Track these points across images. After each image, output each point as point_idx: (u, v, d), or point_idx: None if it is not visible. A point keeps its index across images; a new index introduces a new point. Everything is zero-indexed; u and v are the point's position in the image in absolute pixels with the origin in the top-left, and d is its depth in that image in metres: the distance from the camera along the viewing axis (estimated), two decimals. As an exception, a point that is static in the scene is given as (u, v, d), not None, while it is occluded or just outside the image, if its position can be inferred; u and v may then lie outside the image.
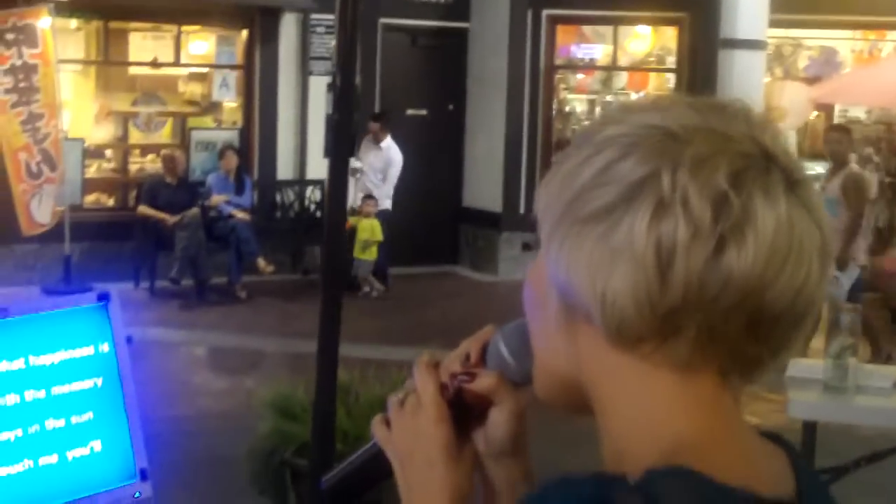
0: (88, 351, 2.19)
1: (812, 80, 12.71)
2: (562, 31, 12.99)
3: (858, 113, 13.62)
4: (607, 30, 13.17)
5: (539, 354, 1.08)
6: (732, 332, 0.94)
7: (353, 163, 11.52)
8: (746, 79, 9.75)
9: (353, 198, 11.06)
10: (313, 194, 12.30)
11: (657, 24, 12.95)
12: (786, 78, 13.14)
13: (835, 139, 9.04)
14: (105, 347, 2.21)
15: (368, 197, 11.53)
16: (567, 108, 13.49)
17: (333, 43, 11.88)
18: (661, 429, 0.97)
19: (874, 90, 10.51)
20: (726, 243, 0.92)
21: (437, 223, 12.96)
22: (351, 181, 11.35)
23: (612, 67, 13.43)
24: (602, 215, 0.95)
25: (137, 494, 2.22)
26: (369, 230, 11.39)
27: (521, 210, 12.71)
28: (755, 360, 0.97)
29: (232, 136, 12.33)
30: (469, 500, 1.17)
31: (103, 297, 2.20)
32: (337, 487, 1.26)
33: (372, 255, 11.44)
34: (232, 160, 11.57)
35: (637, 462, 0.94)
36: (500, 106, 12.58)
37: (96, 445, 2.18)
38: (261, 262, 11.33)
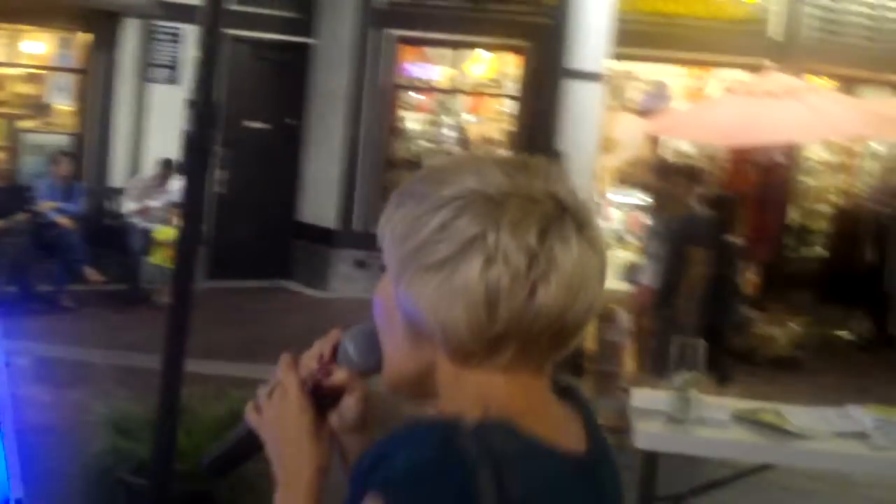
0: (-38, 376, 2.12)
1: (644, 113, 13.06)
2: (404, 52, 13.05)
3: (685, 146, 14.05)
4: (449, 53, 13.28)
5: (389, 355, 1.37)
6: (542, 345, 1.28)
7: (138, 205, 11.41)
8: (585, 109, 9.96)
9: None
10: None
11: (500, 50, 13.11)
12: (620, 109, 13.46)
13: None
14: (-21, 372, 2.14)
15: (175, 205, 11.35)
16: (406, 128, 13.54)
17: (176, 52, 11.83)
18: (488, 402, 1.26)
19: (705, 126, 10.84)
20: (537, 287, 1.24)
21: (271, 237, 12.85)
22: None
23: (453, 90, 13.54)
24: (442, 264, 1.25)
25: (9, 526, 2.15)
26: (165, 235, 11.23)
27: (356, 227, 12.72)
28: (558, 356, 1.31)
29: (65, 140, 11.99)
30: (328, 469, 1.47)
31: (-20, 321, 2.14)
32: (215, 464, 1.57)
33: (164, 259, 11.21)
34: (64, 165, 11.25)
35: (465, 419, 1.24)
36: (339, 122, 12.57)
37: (-33, 474, 2.11)
38: (88, 270, 11.05)
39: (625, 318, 10.12)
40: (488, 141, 13.45)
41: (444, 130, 13.66)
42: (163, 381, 4.98)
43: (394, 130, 13.15)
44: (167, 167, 11.49)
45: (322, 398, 1.48)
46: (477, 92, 13.67)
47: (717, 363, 7.83)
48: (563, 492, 1.28)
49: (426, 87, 13.71)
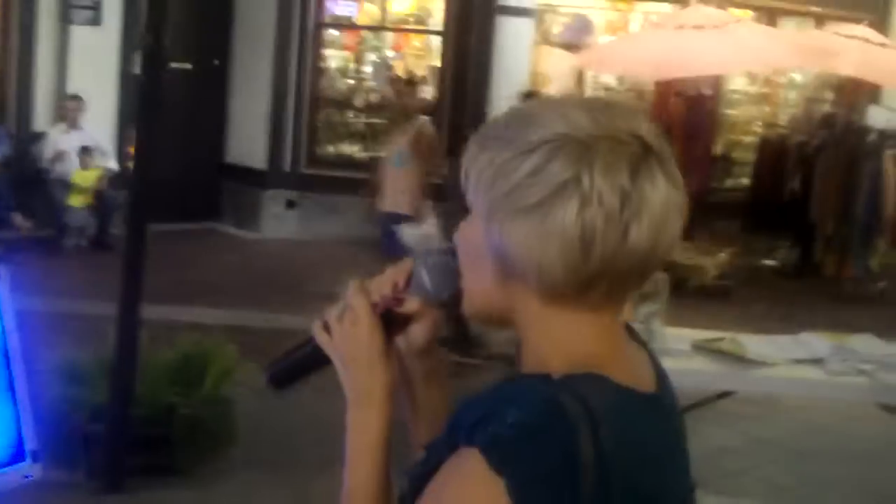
0: (-26, 329, 2.11)
1: (567, 46, 13.09)
2: (330, -11, 12.93)
3: (610, 80, 14.14)
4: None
5: (472, 290, 1.42)
6: (629, 282, 1.34)
7: (52, 152, 11.25)
8: (517, 45, 9.97)
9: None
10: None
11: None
12: (542, 43, 13.49)
13: (405, 92, 9.29)
14: (-9, 325, 2.14)
15: (85, 150, 11.24)
16: (331, 67, 13.44)
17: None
18: (575, 347, 1.34)
19: (631, 59, 10.92)
20: (630, 226, 1.28)
21: (199, 179, 12.70)
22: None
23: (378, 27, 13.46)
24: (536, 208, 1.29)
25: (28, 476, 2.16)
26: (82, 178, 11.18)
27: (286, 168, 12.65)
28: (638, 290, 1.39)
29: (-15, 83, 11.74)
30: (395, 388, 1.55)
31: (-10, 273, 2.13)
32: (278, 377, 1.63)
33: (81, 201, 11.18)
34: (-18, 110, 11.03)
35: (556, 368, 1.32)
36: (267, 62, 12.43)
37: (-17, 427, 2.11)
38: (16, 217, 10.87)
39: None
40: (412, 76, 13.41)
41: (368, 68, 13.59)
42: (119, 326, 4.97)
43: (319, 69, 13.04)
44: (76, 101, 11.36)
45: (390, 322, 1.54)
46: (399, 28, 13.60)
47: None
48: (649, 435, 1.36)
49: (349, 25, 13.61)
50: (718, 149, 13.26)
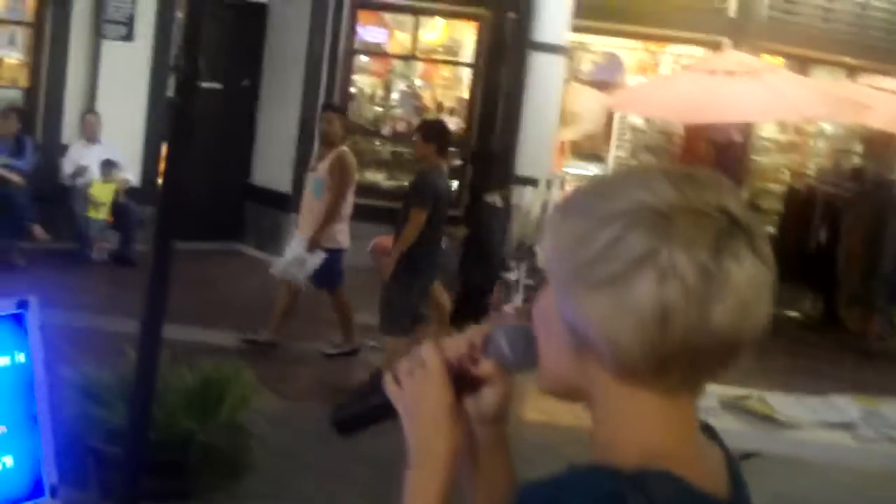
0: (4, 361, 2.06)
1: (598, 85, 13.08)
2: (363, 16, 12.93)
3: (638, 121, 14.12)
4: (407, 18, 13.18)
5: (546, 360, 1.37)
6: (709, 364, 1.26)
7: (73, 166, 11.28)
8: (547, 81, 9.95)
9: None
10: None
11: (458, 17, 13.04)
12: (572, 81, 13.48)
13: (327, 119, 9.22)
14: (21, 357, 2.09)
15: (108, 163, 11.27)
16: (360, 92, 13.44)
17: (132, 9, 11.59)
18: (645, 436, 1.27)
19: (663, 102, 10.90)
20: (711, 305, 1.21)
21: (224, 199, 12.72)
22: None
23: (409, 56, 13.46)
24: (612, 281, 1.22)
25: (48, 512, 2.11)
26: (100, 190, 11.20)
27: (310, 192, 12.60)
28: (719, 376, 1.29)
29: (15, 95, 11.75)
30: (462, 453, 1.49)
31: (22, 305, 2.08)
32: (345, 423, 1.61)
33: (101, 213, 11.21)
34: (12, 121, 11.04)
35: (622, 458, 1.24)
36: (297, 85, 12.43)
37: (8, 461, 2.06)
38: (36, 228, 10.88)
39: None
40: (440, 108, 13.42)
41: (395, 95, 13.59)
42: (141, 348, 4.90)
43: (348, 95, 13.04)
44: (94, 116, 11.41)
45: (462, 384, 1.51)
46: (435, 59, 13.61)
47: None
48: None
49: (380, 52, 13.62)
50: (746, 196, 13.19)
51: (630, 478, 1.21)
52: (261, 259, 12.51)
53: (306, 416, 6.89)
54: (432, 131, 8.28)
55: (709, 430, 1.40)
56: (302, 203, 9.13)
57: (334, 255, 8.89)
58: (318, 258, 8.75)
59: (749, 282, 1.23)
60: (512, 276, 9.49)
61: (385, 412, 1.54)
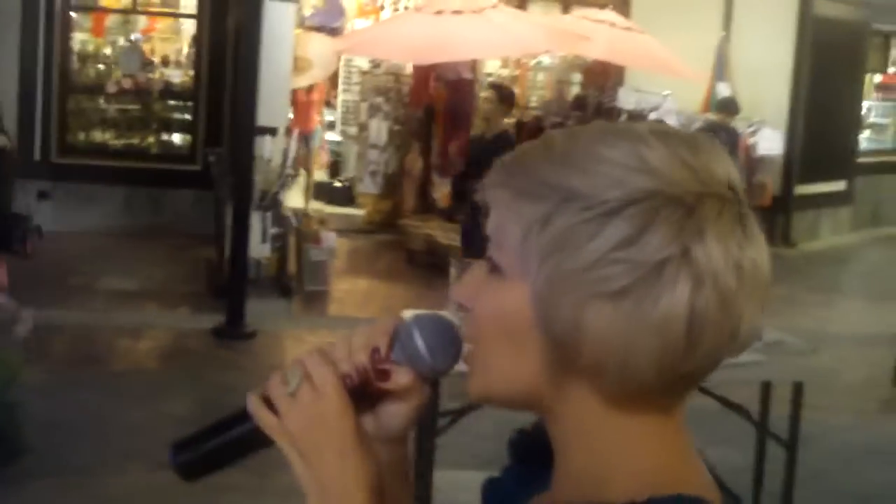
0: None
1: (321, 30, 13.07)
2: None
3: (363, 63, 14.23)
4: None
5: (499, 374, 1.09)
6: (709, 373, 1.04)
7: None
8: (277, 29, 9.87)
9: None
10: None
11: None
12: (298, 27, 13.41)
13: None
14: None
15: None
16: (85, 51, 12.98)
17: None
18: (649, 463, 1.05)
19: (391, 44, 11.00)
20: (742, 307, 1.01)
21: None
22: None
23: (130, 11, 13.08)
24: (627, 291, 0.98)
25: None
26: None
27: (36, 157, 12.14)
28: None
29: None
30: (380, 491, 1.13)
31: None
32: (194, 464, 1.17)
33: None
34: None
35: (624, 493, 1.02)
36: (13, 45, 11.87)
37: None
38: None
39: (331, 239, 10.26)
40: (165, 61, 13.13)
41: (116, 52, 13.21)
42: None
43: (68, 54, 12.54)
44: None
45: (359, 397, 1.16)
46: (157, 12, 13.29)
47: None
48: None
49: (98, 8, 13.19)
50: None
51: None
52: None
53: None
54: (507, 95, 8.98)
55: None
56: None
57: None
58: None
59: (767, 270, 1.04)
60: (256, 224, 9.41)
61: (252, 445, 1.17)
